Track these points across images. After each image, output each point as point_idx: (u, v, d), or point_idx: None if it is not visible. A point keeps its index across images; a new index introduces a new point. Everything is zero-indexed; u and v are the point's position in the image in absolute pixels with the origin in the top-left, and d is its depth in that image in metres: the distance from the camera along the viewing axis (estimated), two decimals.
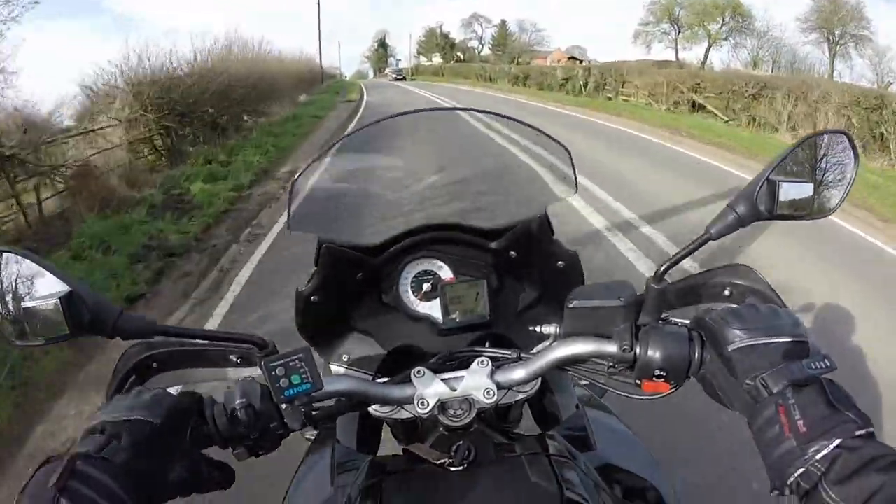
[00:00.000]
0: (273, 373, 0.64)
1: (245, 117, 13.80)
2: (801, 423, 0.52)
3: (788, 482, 0.51)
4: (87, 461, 0.52)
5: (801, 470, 0.50)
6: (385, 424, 1.00)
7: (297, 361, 0.65)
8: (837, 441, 0.50)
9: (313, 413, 0.71)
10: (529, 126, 0.91)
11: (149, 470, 0.57)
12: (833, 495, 0.48)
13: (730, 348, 0.60)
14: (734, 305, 0.67)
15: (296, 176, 0.86)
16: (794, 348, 0.59)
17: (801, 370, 0.56)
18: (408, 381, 0.76)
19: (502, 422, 0.96)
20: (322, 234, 0.87)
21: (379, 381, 0.84)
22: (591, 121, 15.47)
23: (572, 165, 0.90)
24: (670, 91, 18.01)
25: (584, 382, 1.03)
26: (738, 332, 0.61)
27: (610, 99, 20.92)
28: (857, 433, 0.50)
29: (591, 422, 0.91)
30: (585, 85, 23.05)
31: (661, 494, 0.86)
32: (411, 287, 0.94)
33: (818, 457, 0.50)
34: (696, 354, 0.65)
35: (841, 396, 0.54)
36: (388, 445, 1.07)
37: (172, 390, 0.65)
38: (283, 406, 0.66)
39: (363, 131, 0.95)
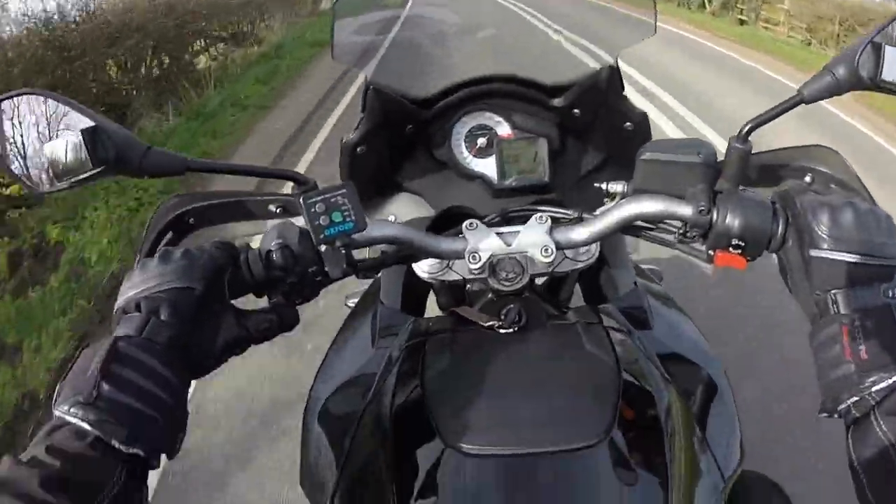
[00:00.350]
0: (313, 210, 0.59)
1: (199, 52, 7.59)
2: (863, 349, 0.50)
3: (840, 408, 0.51)
4: (129, 342, 0.50)
5: (855, 398, 0.49)
6: (431, 290, 0.97)
7: (338, 198, 0.59)
8: None
9: (357, 262, 0.66)
10: None
11: (193, 340, 0.54)
12: (885, 427, 0.47)
13: (813, 253, 0.55)
14: (827, 198, 0.58)
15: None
16: (879, 272, 0.53)
17: (877, 296, 0.52)
18: (459, 234, 0.70)
19: (554, 297, 0.93)
20: (371, 73, 0.80)
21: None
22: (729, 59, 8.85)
23: (654, 4, 0.79)
24: (843, 32, 10.38)
25: (644, 266, 0.98)
26: (827, 238, 0.54)
27: (743, 23, 12.96)
28: None
29: (650, 301, 0.86)
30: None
31: (714, 383, 0.82)
32: (465, 142, 0.87)
33: (875, 389, 0.49)
34: (780, 227, 0.58)
35: None
36: (433, 314, 1.05)
37: (207, 245, 0.60)
38: (324, 248, 0.61)
39: None
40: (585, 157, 0.88)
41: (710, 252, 0.63)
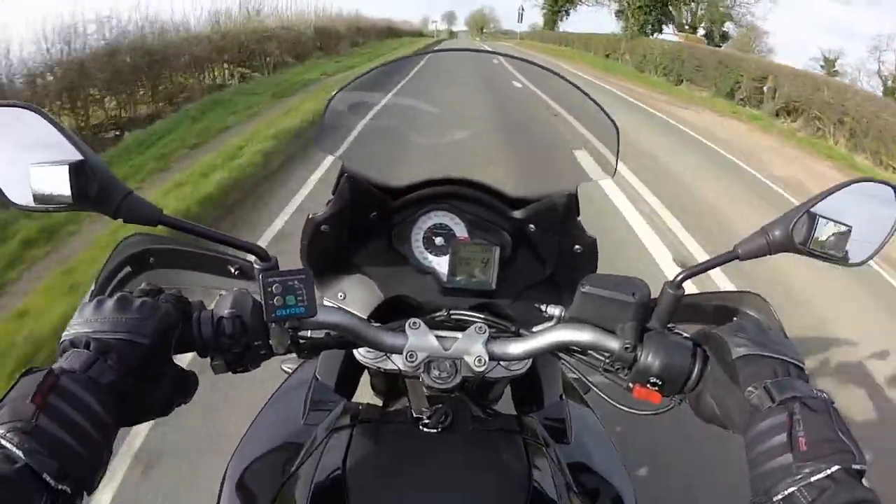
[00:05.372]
0: (269, 289, 0.62)
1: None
2: (802, 439, 0.51)
3: (775, 499, 0.50)
4: (71, 378, 0.51)
5: (790, 490, 0.49)
6: (367, 372, 0.99)
7: (295, 282, 0.62)
8: (836, 467, 0.49)
9: (300, 341, 0.69)
10: (581, 91, 0.87)
11: (134, 391, 0.55)
12: None
13: (734, 355, 0.61)
14: (743, 322, 0.67)
15: (333, 93, 0.82)
16: (795, 369, 0.59)
17: (807, 388, 0.56)
18: (402, 330, 0.74)
19: (482, 397, 0.96)
20: (348, 161, 0.84)
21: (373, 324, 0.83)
22: None
23: (617, 146, 0.86)
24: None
25: (571, 375, 1.03)
26: (743, 341, 0.62)
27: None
28: (854, 466, 0.49)
29: (571, 415, 0.90)
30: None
31: (621, 500, 0.86)
32: (423, 238, 0.92)
33: (813, 479, 0.49)
34: (697, 368, 0.64)
35: (844, 425, 0.53)
36: (365, 395, 1.07)
37: (163, 297, 0.63)
38: (272, 325, 0.64)
39: (404, 61, 0.92)
40: (533, 269, 0.92)
41: (630, 385, 0.68)
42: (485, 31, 77.26)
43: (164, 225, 0.59)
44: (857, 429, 0.54)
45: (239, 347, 0.64)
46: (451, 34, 72.82)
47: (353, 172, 0.84)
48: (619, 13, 32.75)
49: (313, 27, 16.92)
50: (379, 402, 1.06)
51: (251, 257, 0.66)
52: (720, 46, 27.50)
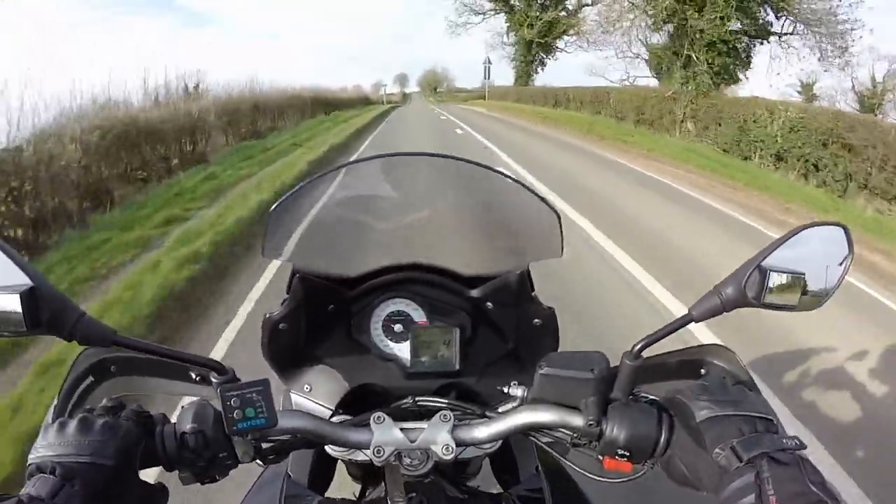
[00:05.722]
0: (228, 402, 0.62)
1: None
2: (773, 498, 0.50)
3: None
4: None
5: None
6: (340, 461, 0.96)
7: (253, 394, 0.63)
8: None
9: (265, 447, 0.70)
10: (521, 184, 0.89)
11: None
12: None
13: (698, 419, 0.60)
14: (705, 382, 0.65)
15: (273, 206, 0.83)
16: (763, 423, 0.59)
17: (775, 442, 0.55)
18: (366, 424, 0.74)
19: (460, 474, 0.94)
20: (297, 261, 0.85)
21: (338, 418, 0.82)
22: None
23: (560, 230, 0.88)
24: None
25: (546, 440, 1.01)
26: (706, 403, 0.61)
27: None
28: None
29: (549, 487, 0.88)
30: None
31: None
32: (382, 326, 0.92)
33: None
34: (663, 435, 0.64)
35: (815, 476, 0.52)
36: (342, 481, 1.04)
37: (124, 414, 0.63)
38: (235, 438, 0.65)
39: (353, 167, 0.93)
40: (495, 345, 0.93)
41: (600, 457, 0.68)
42: (438, 90, 72.83)
43: (118, 345, 0.60)
44: None
45: (203, 461, 0.64)
46: (405, 97, 70.02)
47: (304, 271, 0.85)
48: (665, 57, 18.94)
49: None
50: (357, 487, 1.03)
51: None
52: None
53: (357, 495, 1.02)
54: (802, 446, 0.56)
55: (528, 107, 27.13)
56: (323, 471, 0.97)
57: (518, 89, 34.06)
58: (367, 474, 1.00)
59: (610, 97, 20.84)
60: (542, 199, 0.88)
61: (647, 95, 18.45)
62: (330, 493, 0.97)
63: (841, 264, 0.68)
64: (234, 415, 0.62)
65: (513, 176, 0.91)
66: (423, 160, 0.93)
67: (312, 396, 0.88)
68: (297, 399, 0.89)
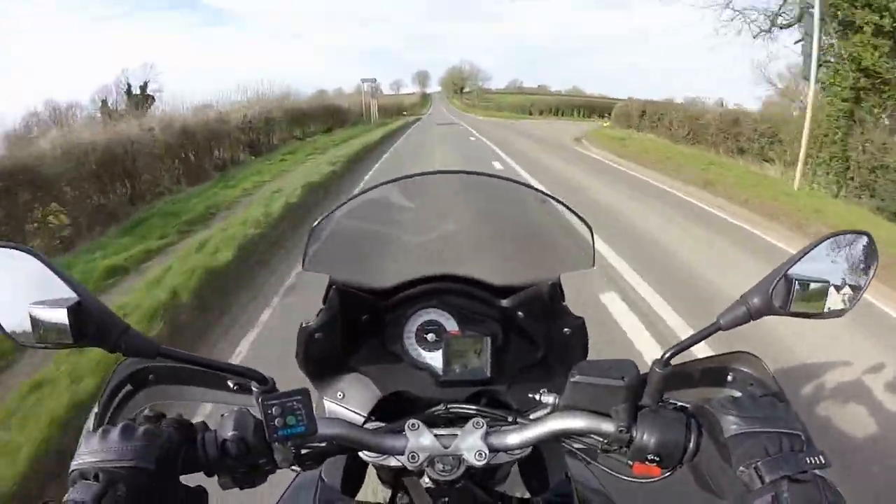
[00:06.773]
0: (269, 411, 0.64)
1: None
2: None
3: None
4: None
5: None
6: (372, 466, 0.99)
7: (294, 403, 0.65)
8: None
9: (303, 453, 0.72)
10: (553, 198, 0.91)
11: None
12: None
13: (726, 435, 0.61)
14: (735, 393, 0.67)
15: (315, 222, 0.86)
16: (789, 440, 0.59)
17: (798, 464, 0.56)
18: (401, 431, 0.76)
19: (490, 479, 0.96)
20: (335, 274, 0.88)
21: (371, 425, 0.84)
22: None
23: (592, 241, 0.90)
24: None
25: (577, 446, 1.03)
26: (735, 419, 0.62)
27: None
28: None
29: (578, 492, 0.90)
30: None
31: None
32: (416, 336, 0.94)
33: None
34: (692, 442, 0.66)
35: (834, 496, 0.53)
36: (373, 485, 1.06)
37: (165, 422, 0.65)
38: (275, 444, 0.67)
39: (387, 186, 0.94)
40: (526, 353, 0.95)
41: (630, 462, 0.70)
42: (465, 91, 67.61)
43: (163, 356, 0.62)
44: None
45: (244, 467, 0.67)
46: (425, 97, 64.91)
47: (340, 282, 0.87)
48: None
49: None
50: (387, 492, 1.05)
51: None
52: None
53: (387, 499, 1.05)
54: (826, 464, 0.56)
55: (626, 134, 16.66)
56: (354, 475, 0.99)
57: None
58: (398, 479, 1.02)
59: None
60: (575, 213, 0.90)
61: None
62: (360, 497, 1.00)
63: (866, 270, 0.70)
64: (276, 423, 0.64)
65: (544, 190, 0.94)
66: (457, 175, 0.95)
67: (345, 403, 0.90)
68: (330, 406, 0.91)
